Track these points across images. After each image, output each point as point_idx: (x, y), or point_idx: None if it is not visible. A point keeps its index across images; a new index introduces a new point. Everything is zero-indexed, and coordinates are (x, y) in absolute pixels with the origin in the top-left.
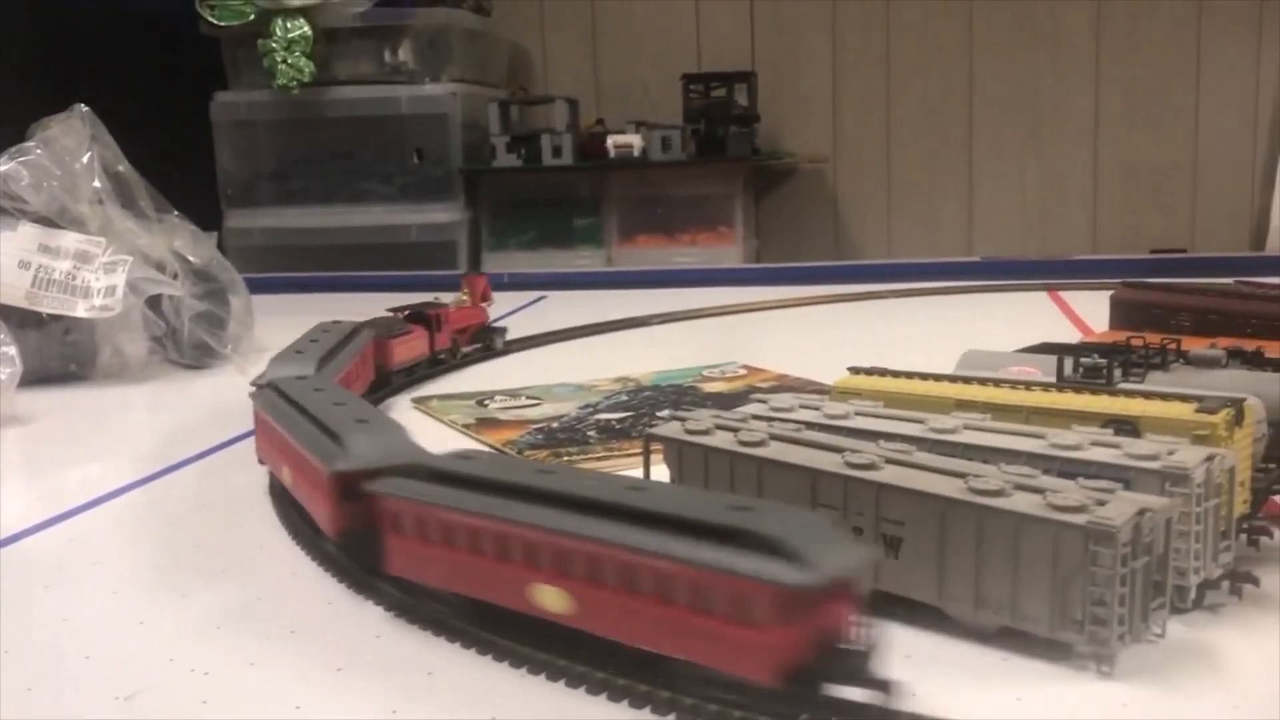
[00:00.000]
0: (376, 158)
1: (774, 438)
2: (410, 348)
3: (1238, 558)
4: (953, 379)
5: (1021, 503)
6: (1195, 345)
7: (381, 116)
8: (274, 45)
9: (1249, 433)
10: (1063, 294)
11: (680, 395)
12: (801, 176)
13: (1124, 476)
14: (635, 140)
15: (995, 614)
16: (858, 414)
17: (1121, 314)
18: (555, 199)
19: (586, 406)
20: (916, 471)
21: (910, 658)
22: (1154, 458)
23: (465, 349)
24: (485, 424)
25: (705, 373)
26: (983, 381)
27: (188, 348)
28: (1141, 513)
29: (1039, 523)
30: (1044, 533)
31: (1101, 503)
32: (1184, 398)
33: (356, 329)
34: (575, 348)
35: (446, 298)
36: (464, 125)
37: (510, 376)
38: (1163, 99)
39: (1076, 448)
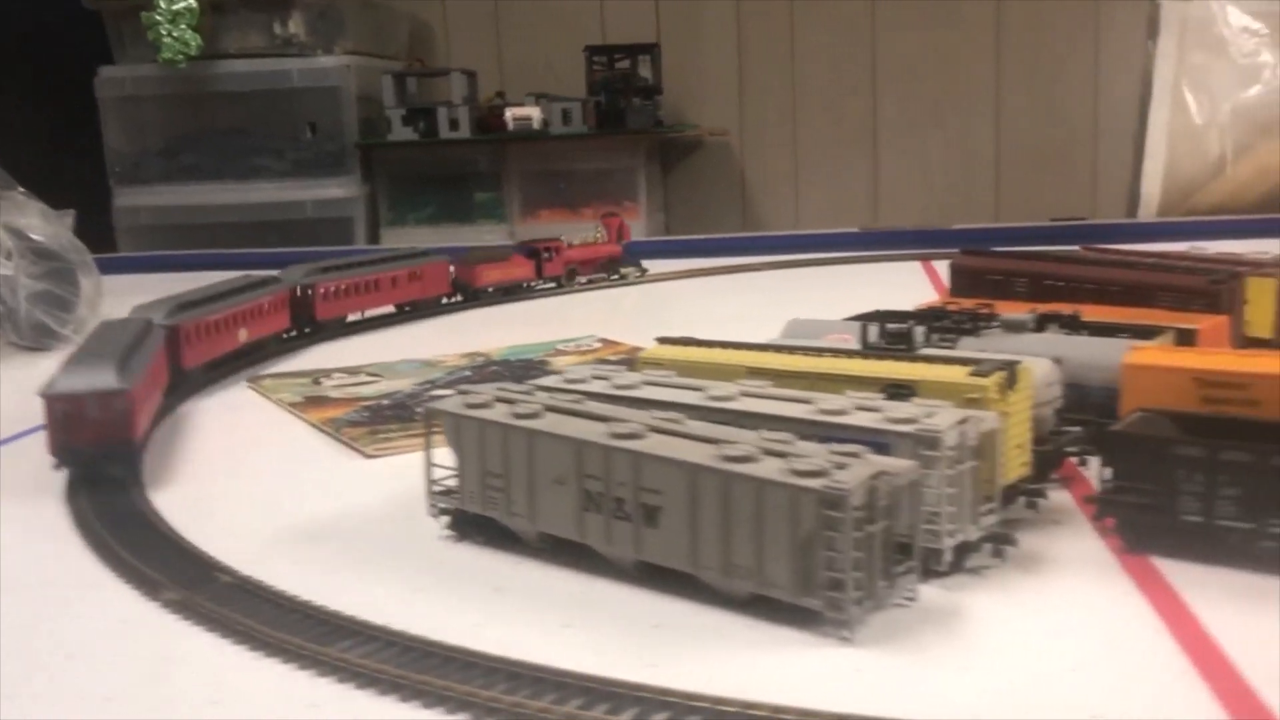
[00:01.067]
0: (269, 133)
1: (550, 409)
2: (505, 271)
3: (1019, 520)
4: (757, 347)
5: (765, 469)
6: (1018, 310)
7: (272, 90)
8: (159, 18)
9: (1026, 396)
10: (934, 263)
11: (527, 369)
12: (708, 150)
13: (881, 440)
14: (534, 113)
15: (744, 580)
16: (646, 384)
17: (960, 281)
18: (455, 173)
19: (425, 383)
20: (677, 440)
21: (660, 626)
22: (910, 421)
23: (584, 277)
24: (313, 402)
25: (560, 347)
26: (783, 349)
27: (26, 329)
28: (876, 476)
29: (778, 488)
30: (782, 497)
31: (841, 466)
32: (964, 362)
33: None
34: (453, 322)
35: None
36: (359, 99)
37: (372, 352)
38: (1062, 70)
39: (840, 412)
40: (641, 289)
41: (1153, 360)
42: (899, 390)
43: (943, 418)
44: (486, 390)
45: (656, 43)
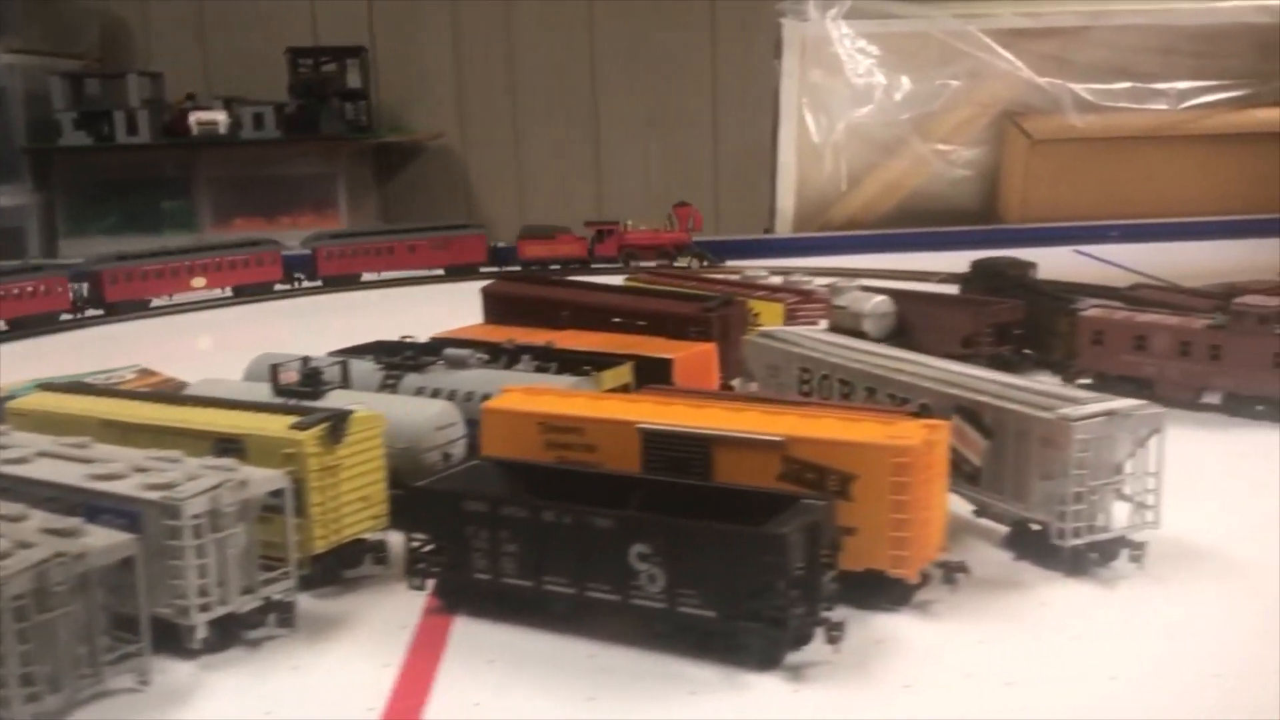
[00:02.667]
0: None
1: None
2: (550, 249)
3: (366, 579)
4: (130, 395)
5: None
6: (546, 337)
7: None
8: None
9: (366, 446)
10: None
11: None
12: (430, 154)
13: (132, 509)
14: (220, 117)
15: None
16: None
17: (492, 307)
18: (139, 180)
19: None
20: None
21: None
22: (167, 487)
23: (643, 262)
24: None
25: (89, 379)
26: (150, 398)
27: None
28: (46, 561)
29: None
30: None
31: (30, 545)
32: (289, 411)
33: None
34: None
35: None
36: (28, 100)
37: None
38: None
39: (111, 477)
40: (310, 300)
41: (506, 405)
42: (230, 445)
43: (198, 482)
44: None
45: (363, 46)
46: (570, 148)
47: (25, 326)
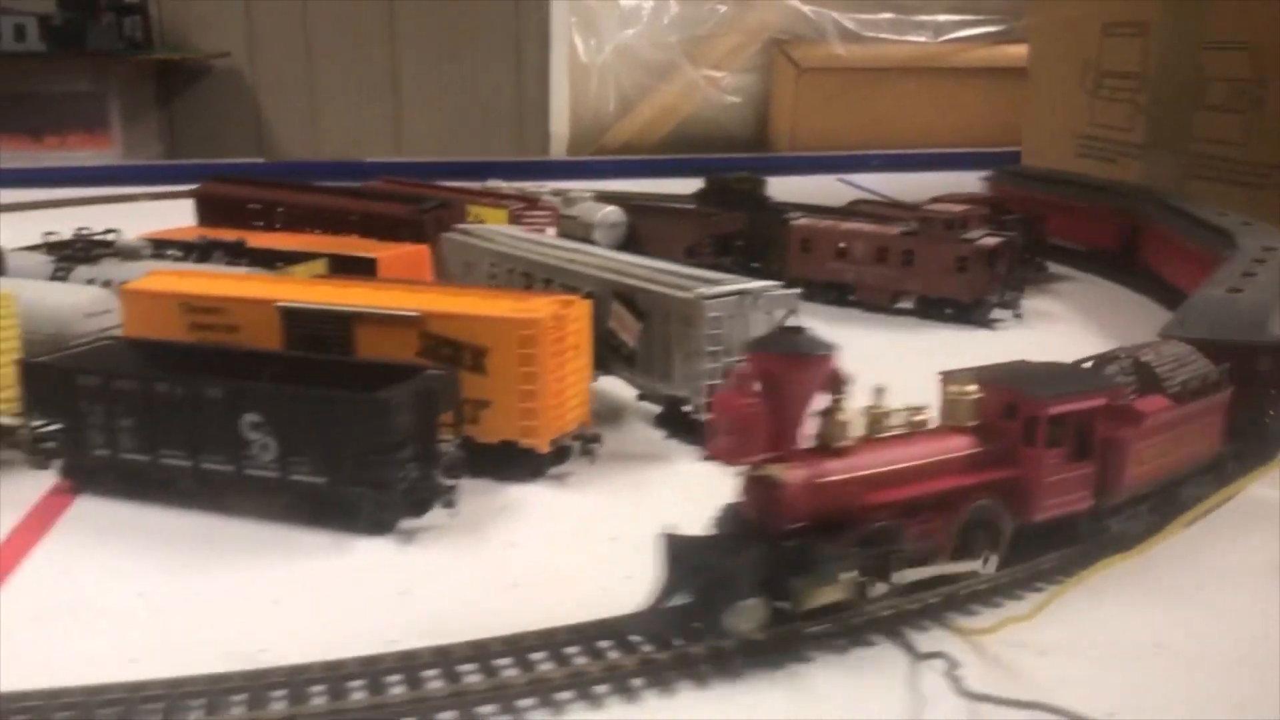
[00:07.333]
0: None
1: None
2: None
3: None
4: None
5: None
6: (259, 238)
7: None
8: None
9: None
10: None
11: None
12: (217, 75)
13: None
14: None
15: None
16: None
17: (205, 210)
18: None
19: None
20: None
21: None
22: None
23: None
24: None
25: None
26: None
27: None
28: None
29: None
30: None
31: None
32: None
33: None
34: None
35: None
36: None
37: None
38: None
39: None
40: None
41: (146, 286)
42: None
43: None
44: None
45: None
46: (365, 66)
47: None
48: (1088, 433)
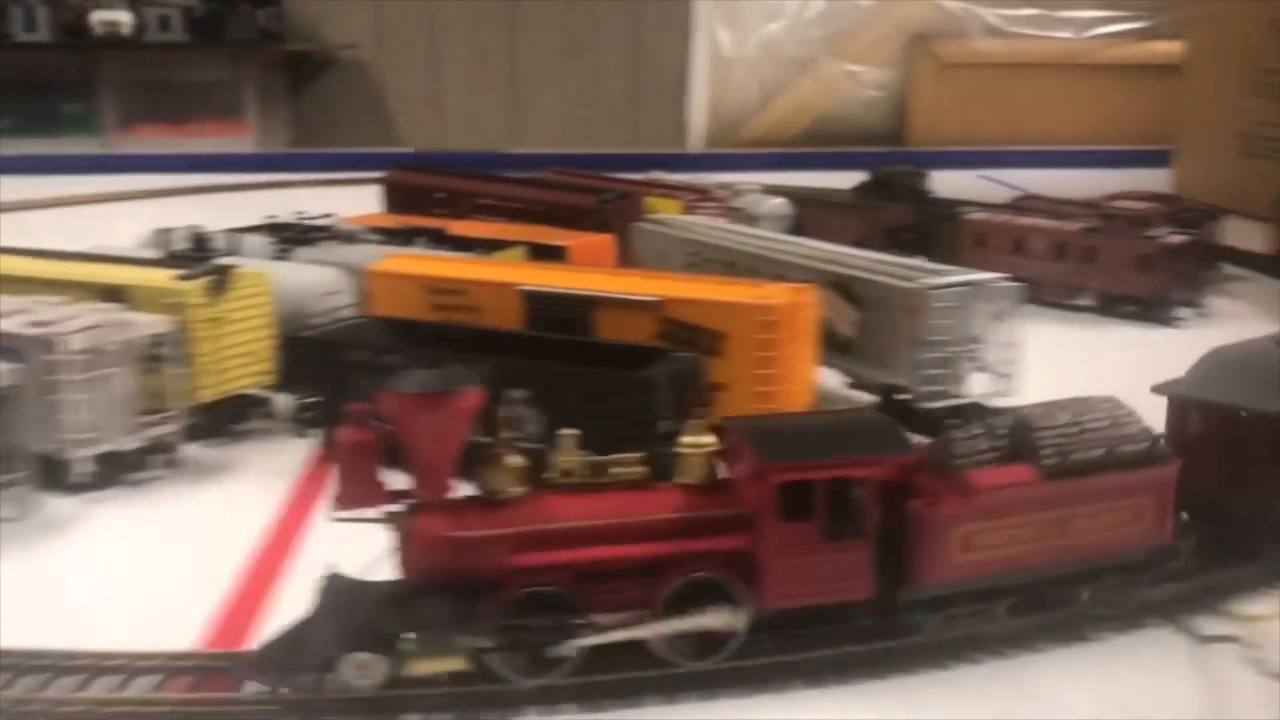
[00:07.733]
0: None
1: None
2: None
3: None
4: (32, 253)
5: None
6: (462, 227)
7: None
8: None
9: (253, 302)
10: None
11: None
12: (343, 66)
13: (12, 345)
14: (124, 17)
15: None
16: None
17: (393, 197)
18: (37, 81)
19: None
20: None
21: None
22: (49, 324)
23: None
24: None
25: None
26: (42, 255)
27: None
28: None
29: None
30: None
31: None
32: (174, 266)
33: None
34: None
35: None
36: None
37: None
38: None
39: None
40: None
41: (391, 268)
42: (114, 293)
43: (79, 321)
44: None
45: None
46: (486, 61)
47: None
48: (857, 506)
